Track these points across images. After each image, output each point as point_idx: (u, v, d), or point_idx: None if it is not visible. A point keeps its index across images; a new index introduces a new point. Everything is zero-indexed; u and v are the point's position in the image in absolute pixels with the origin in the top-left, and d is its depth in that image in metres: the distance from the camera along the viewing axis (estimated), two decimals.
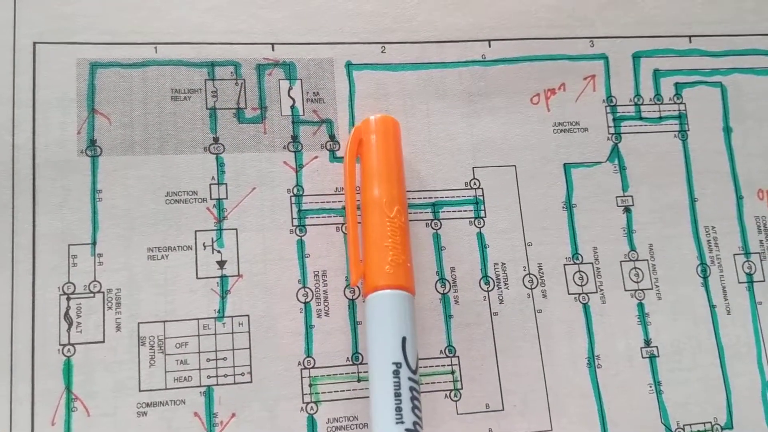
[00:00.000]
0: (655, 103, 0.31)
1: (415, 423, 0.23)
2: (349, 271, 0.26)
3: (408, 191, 0.29)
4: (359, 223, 0.27)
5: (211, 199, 0.27)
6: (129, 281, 0.26)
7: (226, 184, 0.28)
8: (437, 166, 0.29)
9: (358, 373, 0.27)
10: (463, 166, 0.29)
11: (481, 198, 0.29)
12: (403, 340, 0.23)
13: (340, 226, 0.28)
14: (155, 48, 0.28)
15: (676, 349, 0.29)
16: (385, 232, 0.25)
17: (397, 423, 0.22)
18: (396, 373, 0.23)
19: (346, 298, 0.27)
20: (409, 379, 0.23)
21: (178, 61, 0.28)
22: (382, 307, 0.24)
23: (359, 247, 0.26)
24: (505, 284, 0.28)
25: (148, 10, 0.28)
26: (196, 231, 0.27)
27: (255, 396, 0.26)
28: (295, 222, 0.28)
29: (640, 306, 0.29)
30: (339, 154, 0.29)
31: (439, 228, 0.29)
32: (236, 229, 0.27)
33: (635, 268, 0.29)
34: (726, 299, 0.30)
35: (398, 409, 0.23)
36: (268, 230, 0.27)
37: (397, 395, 0.23)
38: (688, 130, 0.31)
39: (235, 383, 0.26)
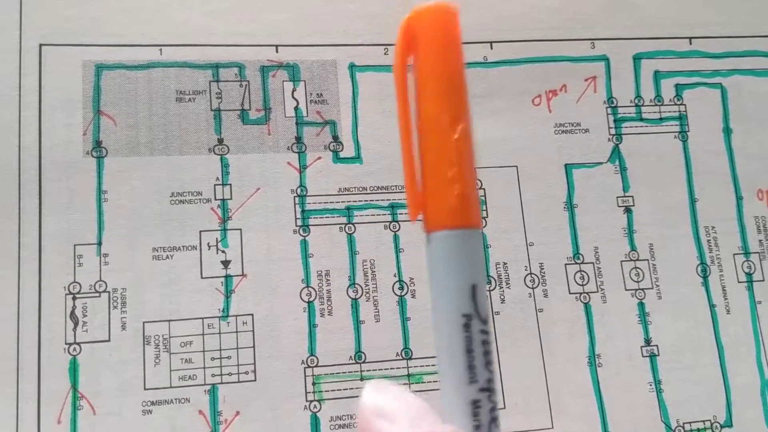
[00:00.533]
0: (656, 105, 0.31)
1: (489, 380, 0.20)
2: (407, 202, 0.23)
3: None
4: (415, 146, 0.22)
5: (215, 199, 0.28)
6: (134, 281, 0.27)
7: (230, 184, 0.28)
8: None
9: (361, 371, 0.27)
10: None
11: (483, 198, 0.29)
12: (473, 287, 0.20)
13: (343, 226, 0.28)
14: (160, 50, 0.28)
15: (676, 349, 0.29)
16: (451, 158, 0.20)
17: (471, 383, 0.19)
18: (467, 327, 0.20)
19: (349, 297, 0.28)
20: (481, 331, 0.20)
21: (183, 63, 0.28)
22: (448, 250, 0.20)
23: (416, 175, 0.21)
24: (507, 284, 0.29)
25: (152, 12, 0.29)
26: (200, 231, 0.27)
27: (259, 394, 0.26)
28: (299, 222, 0.28)
29: (641, 305, 0.29)
30: (342, 154, 0.29)
31: None
32: (240, 229, 0.28)
33: (636, 267, 0.30)
34: (726, 299, 0.30)
35: (470, 367, 0.19)
36: (272, 230, 0.28)
37: (469, 351, 0.19)
38: (689, 131, 0.31)
39: (239, 382, 0.26)
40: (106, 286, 0.26)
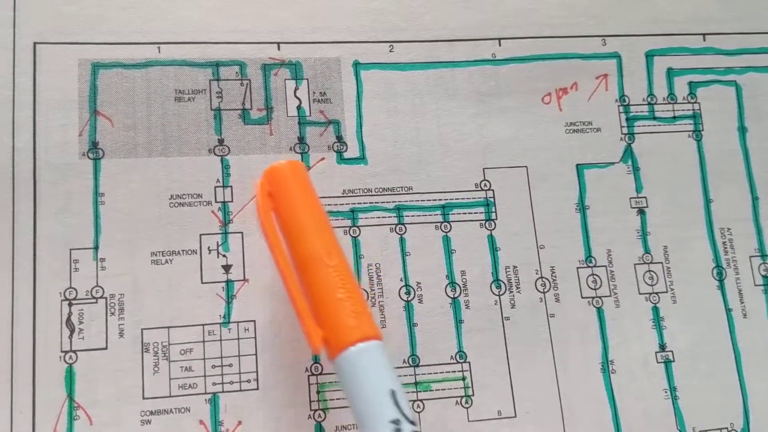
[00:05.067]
0: (669, 103, 0.30)
1: None
2: (306, 338, 0.22)
3: (417, 193, 0.28)
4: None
5: (216, 202, 0.27)
6: (132, 286, 0.26)
7: (231, 186, 0.27)
8: (447, 167, 0.28)
9: None
10: (474, 167, 0.29)
11: (492, 200, 0.28)
12: (392, 393, 0.21)
13: (347, 229, 0.27)
14: (158, 48, 0.28)
15: (691, 354, 0.28)
16: (335, 284, 0.22)
17: None
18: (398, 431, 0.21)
19: None
20: None
21: (182, 62, 0.28)
22: (360, 363, 0.22)
23: (308, 310, 0.23)
24: (517, 288, 0.28)
25: (150, 9, 0.28)
26: (200, 235, 0.26)
27: (261, 403, 0.25)
28: None
29: (655, 310, 0.29)
30: (347, 155, 0.28)
31: (449, 230, 0.28)
32: (242, 232, 0.27)
33: (650, 271, 0.29)
34: (742, 302, 0.29)
35: None
36: None
37: None
38: (703, 130, 0.31)
39: (241, 390, 0.25)
40: (103, 291, 0.26)
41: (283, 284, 0.23)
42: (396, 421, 0.21)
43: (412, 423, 0.21)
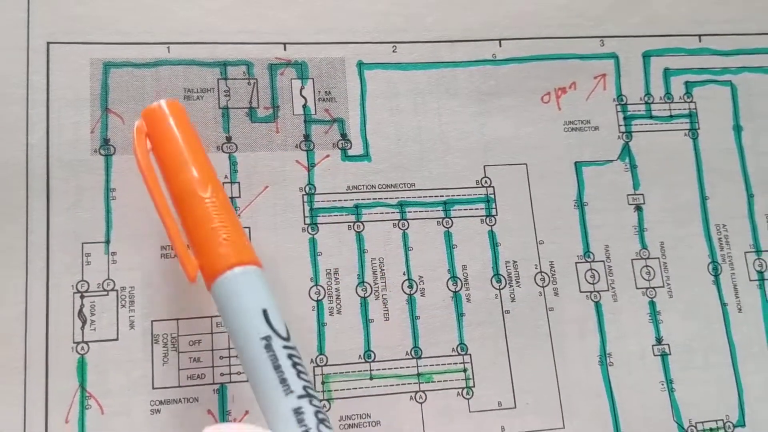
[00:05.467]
0: (666, 102, 0.31)
1: (305, 387, 0.21)
2: (183, 268, 0.23)
3: (419, 189, 0.29)
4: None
5: None
6: (142, 279, 0.26)
7: (238, 182, 0.28)
8: (448, 165, 0.29)
9: (371, 370, 0.27)
10: (475, 164, 0.29)
11: (493, 196, 0.29)
12: (264, 312, 0.22)
13: (351, 224, 0.28)
14: (168, 48, 0.28)
15: (687, 348, 0.29)
16: (208, 214, 0.23)
17: (287, 394, 0.21)
18: (268, 347, 0.21)
19: (358, 296, 0.27)
20: (284, 347, 0.21)
21: (191, 61, 0.28)
22: (233, 287, 0.22)
23: (183, 241, 0.24)
24: (517, 282, 0.28)
25: (160, 10, 0.29)
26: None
27: None
28: (307, 220, 0.28)
29: (652, 304, 0.29)
30: (351, 152, 0.29)
31: (451, 226, 0.29)
32: (249, 227, 0.27)
33: (647, 266, 0.29)
34: (737, 297, 0.30)
35: (283, 380, 0.21)
36: (280, 229, 0.27)
37: (277, 368, 0.21)
38: (699, 129, 0.31)
39: (248, 381, 0.26)
40: (115, 284, 0.26)
41: (160, 219, 0.24)
42: (267, 337, 0.21)
43: (284, 338, 0.22)
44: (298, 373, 0.21)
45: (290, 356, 0.21)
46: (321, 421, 0.20)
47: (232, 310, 0.22)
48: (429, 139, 0.29)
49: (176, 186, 0.24)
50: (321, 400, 0.20)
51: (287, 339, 0.22)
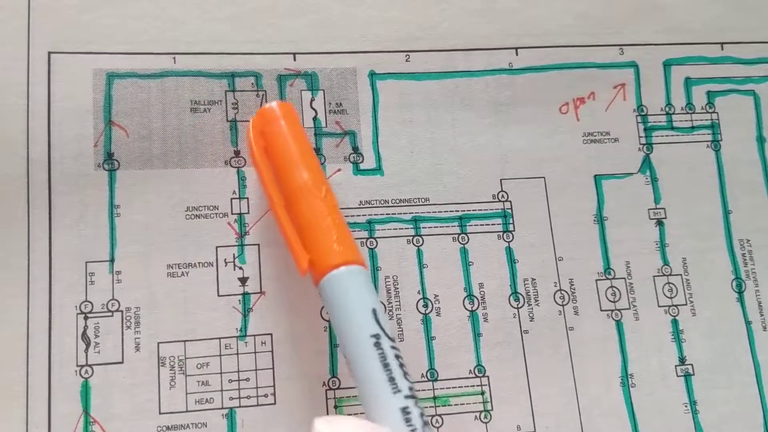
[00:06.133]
0: (687, 113, 0.30)
1: (410, 388, 0.21)
2: (294, 261, 0.23)
3: (434, 204, 0.28)
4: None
5: (232, 213, 0.27)
6: (148, 299, 0.25)
7: (247, 198, 0.27)
8: (464, 178, 0.28)
9: None
10: (491, 178, 0.28)
11: (510, 211, 0.28)
12: (374, 311, 0.22)
13: (364, 240, 0.27)
14: (174, 58, 0.27)
15: (711, 367, 0.28)
16: (323, 213, 0.24)
17: (395, 393, 0.21)
18: (378, 345, 0.22)
19: None
20: (392, 348, 0.22)
21: (198, 72, 0.27)
22: (343, 284, 0.23)
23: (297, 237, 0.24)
24: (536, 301, 0.28)
25: (165, 19, 0.28)
26: (217, 247, 0.26)
27: (279, 418, 0.25)
28: None
29: (674, 323, 0.28)
30: (363, 166, 0.28)
31: (467, 242, 0.28)
32: (258, 244, 0.26)
33: (669, 283, 0.29)
34: (762, 315, 0.29)
35: (391, 379, 0.21)
36: None
37: (386, 366, 0.21)
38: (721, 140, 0.30)
39: (258, 405, 0.25)
40: (119, 305, 0.25)
41: (275, 215, 0.24)
42: (376, 335, 0.22)
43: (392, 339, 0.22)
44: (404, 373, 0.22)
45: (397, 356, 0.22)
46: (426, 423, 0.21)
47: (343, 306, 0.22)
48: (443, 152, 0.28)
49: (292, 184, 0.24)
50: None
51: (394, 340, 0.22)
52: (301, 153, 0.25)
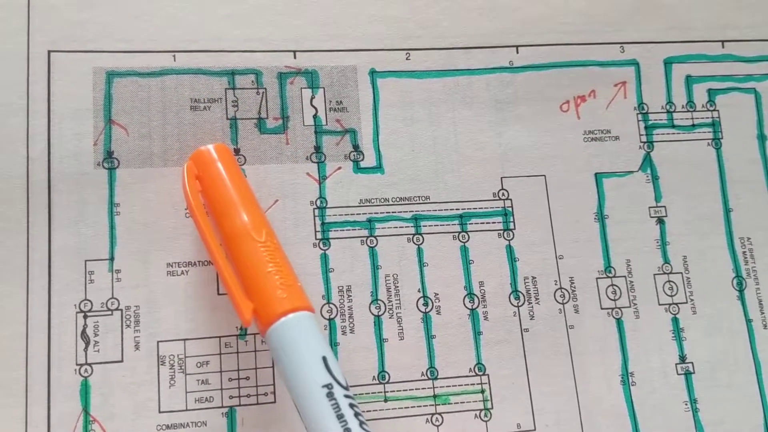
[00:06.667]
0: (688, 111, 0.30)
1: None
2: (236, 311, 0.23)
3: (434, 202, 0.28)
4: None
5: None
6: (148, 298, 0.25)
7: None
8: (464, 176, 0.28)
9: (385, 392, 0.26)
10: (491, 176, 0.28)
11: (510, 209, 0.28)
12: (324, 359, 0.22)
13: (365, 239, 0.27)
14: (173, 56, 0.27)
15: (712, 366, 0.28)
16: (263, 259, 0.23)
17: None
18: (330, 395, 0.21)
19: (372, 314, 0.26)
20: (345, 396, 0.21)
21: (197, 70, 0.27)
22: (291, 333, 0.22)
23: (238, 285, 0.23)
24: (536, 299, 0.27)
25: (165, 17, 0.28)
26: None
27: (279, 417, 0.25)
28: (319, 235, 0.27)
29: (675, 321, 0.28)
30: (363, 164, 0.28)
31: (467, 240, 0.28)
32: None
33: (669, 281, 0.28)
34: (762, 313, 0.29)
35: (347, 431, 0.21)
36: (291, 244, 0.26)
37: (340, 417, 0.21)
38: (722, 138, 0.30)
39: (258, 404, 0.25)
40: (119, 303, 0.25)
41: (213, 262, 0.24)
42: (328, 385, 0.21)
43: (345, 387, 0.22)
44: (360, 423, 0.21)
45: (351, 405, 0.21)
46: None
47: (291, 356, 0.22)
48: (444, 150, 0.28)
49: (230, 229, 0.23)
50: None
51: (348, 389, 0.22)
52: (240, 195, 0.24)
